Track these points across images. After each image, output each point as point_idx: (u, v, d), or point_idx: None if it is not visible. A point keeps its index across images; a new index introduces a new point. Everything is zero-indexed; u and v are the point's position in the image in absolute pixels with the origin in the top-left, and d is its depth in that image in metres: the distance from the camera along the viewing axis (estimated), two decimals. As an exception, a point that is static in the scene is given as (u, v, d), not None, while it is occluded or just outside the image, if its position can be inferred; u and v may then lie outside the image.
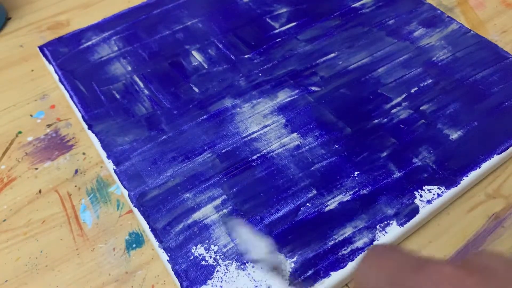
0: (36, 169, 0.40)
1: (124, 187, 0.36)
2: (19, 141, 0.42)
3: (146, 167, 0.37)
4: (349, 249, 0.32)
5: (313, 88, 0.43)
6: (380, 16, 0.49)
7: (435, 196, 0.35)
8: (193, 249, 0.33)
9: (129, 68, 0.45)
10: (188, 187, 0.36)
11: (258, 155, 0.38)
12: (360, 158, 0.37)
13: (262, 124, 0.40)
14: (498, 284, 0.17)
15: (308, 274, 0.31)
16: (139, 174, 0.37)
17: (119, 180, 0.37)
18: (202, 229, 0.34)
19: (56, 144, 0.41)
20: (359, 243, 0.32)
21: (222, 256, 0.32)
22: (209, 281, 0.31)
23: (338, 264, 0.32)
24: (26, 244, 0.35)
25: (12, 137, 0.42)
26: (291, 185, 0.36)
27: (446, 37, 0.47)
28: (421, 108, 0.40)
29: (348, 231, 0.33)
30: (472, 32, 0.47)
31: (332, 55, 0.46)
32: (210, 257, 0.32)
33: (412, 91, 0.42)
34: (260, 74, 0.44)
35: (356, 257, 0.32)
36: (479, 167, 0.36)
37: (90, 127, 0.40)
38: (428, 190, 0.35)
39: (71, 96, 0.43)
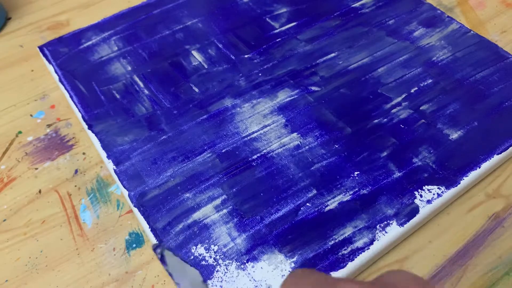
0: (36, 169, 0.40)
1: (124, 187, 0.36)
2: (19, 141, 0.42)
3: (146, 167, 0.37)
4: (349, 249, 0.32)
5: (313, 88, 0.43)
6: (380, 16, 0.49)
7: (435, 196, 0.35)
8: (193, 249, 0.33)
9: (129, 68, 0.45)
10: (188, 187, 0.36)
11: (258, 155, 0.38)
12: (360, 158, 0.37)
13: (262, 124, 0.40)
14: None
15: None
16: (139, 174, 0.37)
17: (119, 180, 0.37)
18: (202, 229, 0.34)
19: (56, 144, 0.41)
20: (359, 243, 0.33)
21: (222, 256, 0.32)
22: (209, 281, 0.31)
23: (338, 264, 0.32)
24: (26, 244, 0.35)
25: (12, 137, 0.42)
26: (291, 185, 0.36)
27: (446, 37, 0.47)
28: (421, 108, 0.40)
29: (348, 231, 0.33)
30: (472, 32, 0.47)
31: (332, 55, 0.46)
32: (210, 257, 0.32)
33: (412, 91, 0.42)
34: (260, 74, 0.44)
35: (356, 257, 0.32)
36: (479, 167, 0.36)
37: (90, 127, 0.40)
38: (428, 190, 0.35)
39: (71, 96, 0.43)
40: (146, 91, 0.43)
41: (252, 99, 0.42)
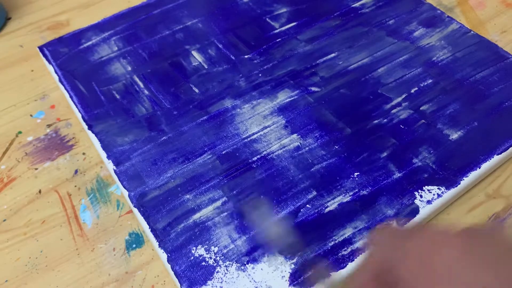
0: (36, 169, 0.40)
1: (124, 188, 0.36)
2: (19, 141, 0.42)
3: (146, 168, 0.37)
4: (349, 250, 0.32)
5: (313, 89, 0.43)
6: (380, 16, 0.49)
7: (435, 196, 0.35)
8: (193, 250, 0.33)
9: (129, 68, 0.45)
10: (188, 188, 0.36)
11: (258, 156, 0.38)
12: (360, 159, 0.37)
13: (262, 125, 0.40)
14: (482, 241, 0.19)
15: (308, 274, 0.31)
16: (139, 174, 0.37)
17: (119, 180, 0.37)
18: (202, 230, 0.34)
19: (56, 144, 0.41)
20: (359, 244, 0.32)
21: (223, 257, 0.32)
22: (209, 282, 0.31)
23: (338, 265, 0.32)
24: (26, 244, 0.35)
25: (12, 137, 0.42)
26: (291, 186, 0.36)
27: (446, 37, 0.47)
28: (421, 108, 0.40)
29: (348, 232, 0.33)
30: (472, 32, 0.47)
31: (332, 55, 0.45)
32: (210, 258, 0.32)
33: (412, 91, 0.42)
34: (260, 75, 0.44)
35: (356, 258, 0.32)
36: (479, 167, 0.36)
37: (90, 127, 0.40)
38: (428, 190, 0.35)
39: (71, 96, 0.43)
40: (146, 92, 0.43)
41: (252, 100, 0.42)
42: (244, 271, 0.32)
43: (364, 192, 0.35)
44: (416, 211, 0.34)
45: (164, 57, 0.46)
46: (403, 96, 0.42)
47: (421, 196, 0.35)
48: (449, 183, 0.35)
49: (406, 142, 0.38)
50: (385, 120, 0.40)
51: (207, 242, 0.33)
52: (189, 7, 0.51)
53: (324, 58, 0.45)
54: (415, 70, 0.44)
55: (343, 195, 0.35)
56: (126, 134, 0.40)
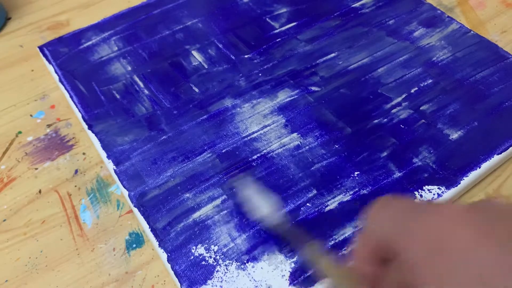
0: (36, 169, 0.40)
1: (124, 187, 0.36)
2: (19, 141, 0.42)
3: (146, 167, 0.37)
4: (349, 249, 0.32)
5: (313, 88, 0.43)
6: (380, 16, 0.49)
7: (435, 196, 0.35)
8: (193, 249, 0.33)
9: (129, 68, 0.45)
10: (188, 187, 0.36)
11: (258, 155, 0.38)
12: (360, 158, 0.37)
13: (262, 124, 0.40)
14: (500, 218, 0.17)
15: (308, 274, 0.31)
16: (139, 174, 0.37)
17: (119, 180, 0.37)
18: (202, 229, 0.34)
19: (56, 144, 0.41)
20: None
21: (222, 256, 0.32)
22: (209, 281, 0.31)
23: (338, 264, 0.32)
24: (26, 244, 0.35)
25: (12, 137, 0.42)
26: (291, 185, 0.36)
27: (446, 37, 0.47)
28: (421, 108, 0.40)
29: (348, 231, 0.33)
30: (472, 32, 0.47)
31: (332, 55, 0.46)
32: (210, 257, 0.32)
33: (412, 91, 0.42)
34: (260, 74, 0.44)
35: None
36: (479, 167, 0.36)
37: (90, 127, 0.40)
38: (428, 190, 0.35)
39: (71, 96, 0.43)
40: (146, 91, 0.43)
41: (252, 99, 0.42)
42: (244, 270, 0.32)
43: (364, 192, 0.35)
44: (416, 210, 0.34)
45: (164, 57, 0.46)
46: (403, 96, 0.42)
47: (421, 196, 0.35)
48: (449, 183, 0.35)
49: (406, 142, 0.38)
50: (385, 119, 0.40)
51: (207, 241, 0.33)
52: (189, 7, 0.51)
53: (324, 58, 0.45)
54: (415, 70, 0.44)
55: (343, 194, 0.35)
56: (126, 133, 0.40)
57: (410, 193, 0.35)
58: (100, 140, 0.39)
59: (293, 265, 0.32)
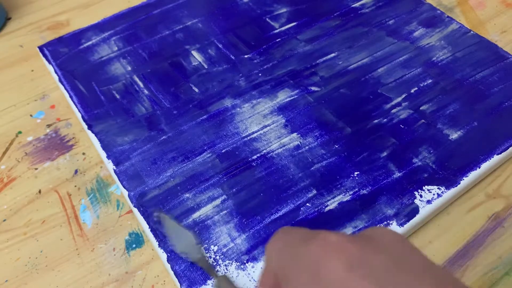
0: (36, 169, 0.40)
1: (124, 187, 0.36)
2: (19, 141, 0.42)
3: (146, 167, 0.37)
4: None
5: (313, 88, 0.43)
6: (380, 16, 0.49)
7: (435, 196, 0.35)
8: (193, 249, 0.33)
9: (129, 68, 0.45)
10: (188, 187, 0.36)
11: (258, 155, 0.38)
12: (360, 158, 0.37)
13: (262, 124, 0.40)
14: (376, 250, 0.18)
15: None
16: (139, 174, 0.37)
17: (119, 180, 0.37)
18: (202, 229, 0.34)
19: (56, 144, 0.41)
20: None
21: (222, 256, 0.32)
22: (209, 281, 0.31)
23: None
24: (26, 244, 0.35)
25: (12, 137, 0.42)
26: (291, 185, 0.36)
27: (446, 37, 0.47)
28: (421, 108, 0.40)
29: (348, 231, 0.33)
30: (472, 32, 0.47)
31: (332, 55, 0.46)
32: (210, 257, 0.32)
33: (412, 91, 0.42)
34: (260, 74, 0.44)
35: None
36: (479, 167, 0.36)
37: (90, 127, 0.40)
38: (428, 190, 0.35)
39: (71, 96, 0.43)
40: (146, 91, 0.43)
41: (252, 99, 0.42)
42: (243, 270, 0.32)
43: (364, 192, 0.35)
44: (416, 210, 0.34)
45: (164, 57, 0.46)
46: (403, 96, 0.42)
47: (421, 196, 0.35)
48: (449, 183, 0.35)
49: (406, 142, 0.38)
50: (385, 119, 0.40)
51: (207, 241, 0.33)
52: (189, 7, 0.51)
53: (324, 58, 0.45)
54: (415, 70, 0.44)
55: (343, 194, 0.35)
56: (126, 133, 0.40)
57: (410, 193, 0.35)
58: (100, 140, 0.39)
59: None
